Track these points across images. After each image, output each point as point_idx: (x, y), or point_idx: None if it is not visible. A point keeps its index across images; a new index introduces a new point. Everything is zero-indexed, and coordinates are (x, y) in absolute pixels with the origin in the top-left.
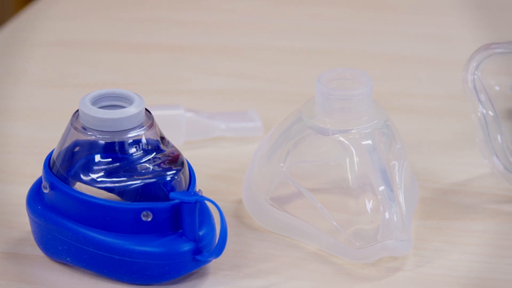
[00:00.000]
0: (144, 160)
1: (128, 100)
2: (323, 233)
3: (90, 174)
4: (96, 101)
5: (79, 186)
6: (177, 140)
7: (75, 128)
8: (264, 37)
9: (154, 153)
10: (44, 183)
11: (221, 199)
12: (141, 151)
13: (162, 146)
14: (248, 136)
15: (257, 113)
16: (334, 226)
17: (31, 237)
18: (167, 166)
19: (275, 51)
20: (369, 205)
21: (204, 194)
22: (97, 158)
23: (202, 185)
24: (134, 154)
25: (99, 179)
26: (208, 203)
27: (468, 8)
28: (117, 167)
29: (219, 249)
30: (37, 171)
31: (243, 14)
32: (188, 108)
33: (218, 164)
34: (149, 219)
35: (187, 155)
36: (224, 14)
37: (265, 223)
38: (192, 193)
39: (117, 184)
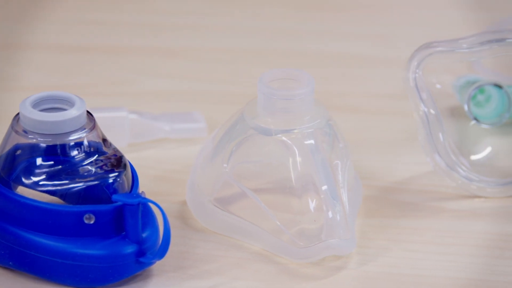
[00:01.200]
0: (86, 162)
1: (69, 103)
2: (267, 233)
3: (32, 177)
4: (37, 104)
5: (21, 190)
6: (121, 142)
7: (16, 132)
8: (206, 38)
9: (96, 155)
10: None
11: (165, 200)
12: (83, 154)
13: (104, 148)
14: (192, 137)
15: (201, 114)
16: (278, 226)
17: None
18: (110, 168)
19: (218, 51)
20: (312, 205)
21: (148, 195)
22: (39, 161)
23: (146, 187)
24: (76, 157)
25: (41, 183)
26: (152, 205)
27: (410, 6)
28: (59, 170)
29: (162, 250)
30: None
31: (185, 15)
32: (132, 110)
33: (163, 165)
34: (92, 222)
35: (131, 157)
36: (167, 15)
37: (209, 224)
38: (134, 195)
39: (59, 187)
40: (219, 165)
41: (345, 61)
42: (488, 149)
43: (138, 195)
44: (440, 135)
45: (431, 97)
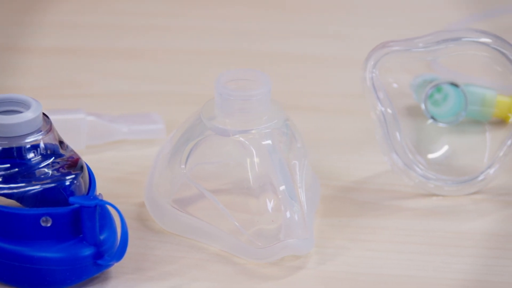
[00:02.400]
0: (42, 165)
1: (25, 105)
2: (225, 233)
3: None
4: None
5: None
6: (79, 144)
7: None
8: (164, 39)
9: (53, 157)
10: None
11: (123, 202)
12: (40, 156)
13: (61, 151)
14: (151, 138)
15: (159, 115)
16: (236, 227)
17: None
18: (66, 170)
19: (176, 52)
20: (270, 205)
21: (107, 197)
22: None
23: (104, 189)
24: (32, 159)
25: None
26: (109, 207)
27: (366, 6)
28: (15, 173)
29: (120, 252)
30: None
31: (143, 17)
32: (90, 111)
33: (121, 167)
34: (49, 225)
35: (89, 159)
36: (125, 17)
37: (167, 225)
38: (91, 197)
39: (15, 190)
40: (177, 167)
41: (305, 61)
42: (445, 148)
43: (95, 197)
44: (397, 134)
45: (388, 96)
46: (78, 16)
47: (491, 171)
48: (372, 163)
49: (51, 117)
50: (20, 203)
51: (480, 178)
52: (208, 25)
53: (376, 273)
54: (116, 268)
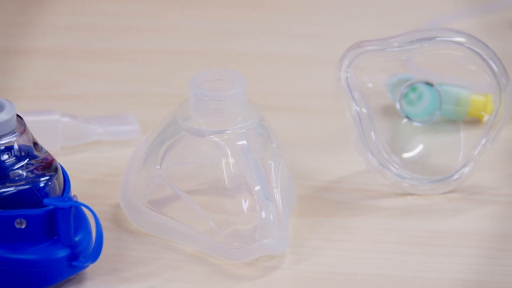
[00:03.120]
0: (17, 166)
1: None
2: (201, 234)
3: None
4: None
5: None
6: (54, 145)
7: None
8: (139, 40)
9: (27, 159)
10: None
11: (99, 203)
12: (14, 158)
13: (35, 152)
14: (126, 139)
15: (134, 116)
16: (212, 227)
17: None
18: (41, 172)
19: (151, 53)
20: (245, 205)
21: (82, 199)
22: None
23: (79, 190)
24: (6, 161)
25: None
26: (84, 208)
27: (341, 6)
28: None
29: (95, 254)
30: None
31: (117, 17)
32: (64, 113)
33: (96, 168)
34: (23, 227)
35: (64, 160)
36: (99, 17)
37: (143, 226)
38: (66, 199)
39: None
40: (152, 167)
41: (280, 61)
42: (420, 147)
43: (70, 199)
44: (372, 133)
45: (363, 96)
46: (53, 18)
47: (466, 170)
48: (347, 162)
49: (25, 118)
50: None
51: (455, 177)
52: (183, 26)
53: (351, 272)
54: (91, 269)
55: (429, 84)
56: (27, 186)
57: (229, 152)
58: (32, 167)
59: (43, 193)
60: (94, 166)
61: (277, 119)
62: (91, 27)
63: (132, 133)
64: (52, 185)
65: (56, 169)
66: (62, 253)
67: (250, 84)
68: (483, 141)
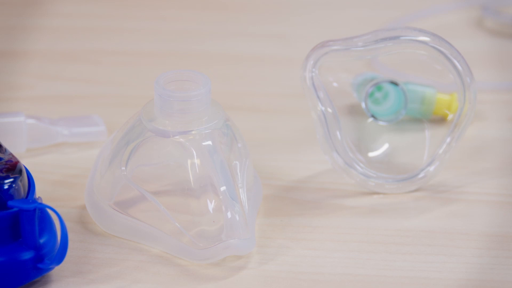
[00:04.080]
0: None
1: None
2: (167, 235)
3: None
4: None
5: None
6: (19, 147)
7: None
8: (103, 41)
9: None
10: None
11: (64, 205)
12: None
13: None
14: (92, 141)
15: (100, 118)
16: (178, 228)
17: None
18: (4, 174)
19: (116, 54)
20: (211, 206)
21: (47, 201)
22: None
23: (45, 192)
24: None
25: None
26: (49, 210)
27: (306, 6)
28: None
29: (60, 256)
30: None
31: (83, 18)
32: (29, 114)
33: (62, 170)
34: None
35: (29, 162)
36: (64, 18)
37: (109, 228)
38: (30, 201)
39: None
40: (117, 169)
41: (244, 61)
42: (386, 146)
43: (34, 201)
44: (338, 133)
45: (328, 95)
46: (15, 19)
47: (431, 168)
48: (313, 162)
49: None
50: None
51: (420, 175)
52: (147, 26)
53: (318, 272)
54: (56, 271)
55: (394, 83)
56: None
57: (194, 153)
58: None
59: (7, 195)
60: (59, 167)
61: (242, 119)
62: (55, 28)
63: (98, 134)
64: (17, 187)
65: (20, 171)
66: (27, 255)
67: (215, 84)
68: (448, 139)
